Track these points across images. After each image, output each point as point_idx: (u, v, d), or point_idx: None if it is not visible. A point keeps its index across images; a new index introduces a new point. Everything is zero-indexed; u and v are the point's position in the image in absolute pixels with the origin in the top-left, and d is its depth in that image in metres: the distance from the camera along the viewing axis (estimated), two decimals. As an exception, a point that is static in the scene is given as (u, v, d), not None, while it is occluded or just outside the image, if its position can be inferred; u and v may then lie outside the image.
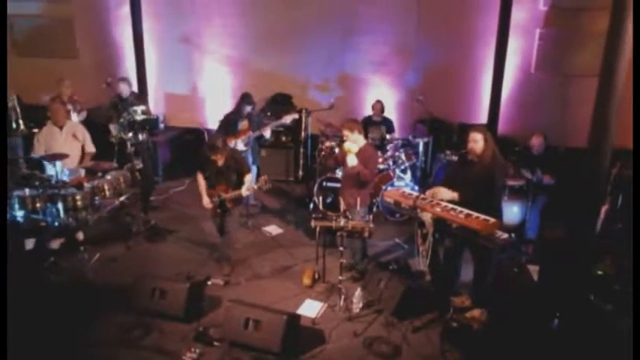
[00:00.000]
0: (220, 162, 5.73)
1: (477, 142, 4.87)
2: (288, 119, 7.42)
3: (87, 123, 7.38)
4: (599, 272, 4.83)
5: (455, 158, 6.34)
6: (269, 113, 8.50)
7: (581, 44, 7.69)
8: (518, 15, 7.88)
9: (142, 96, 8.49)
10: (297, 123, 8.10)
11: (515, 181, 6.44)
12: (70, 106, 7.38)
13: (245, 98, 7.21)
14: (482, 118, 8.34)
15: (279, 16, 8.66)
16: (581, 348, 4.33)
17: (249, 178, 5.89)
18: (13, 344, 4.48)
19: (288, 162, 8.77)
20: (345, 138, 5.60)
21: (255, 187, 5.80)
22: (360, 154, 5.49)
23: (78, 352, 4.54)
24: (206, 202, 5.77)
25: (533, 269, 5.61)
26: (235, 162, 5.87)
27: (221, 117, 7.44)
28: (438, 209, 4.76)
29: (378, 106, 8.00)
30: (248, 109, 7.19)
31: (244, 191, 5.72)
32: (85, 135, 6.69)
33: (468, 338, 4.70)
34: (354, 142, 5.53)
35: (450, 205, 4.78)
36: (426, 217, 4.82)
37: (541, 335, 4.60)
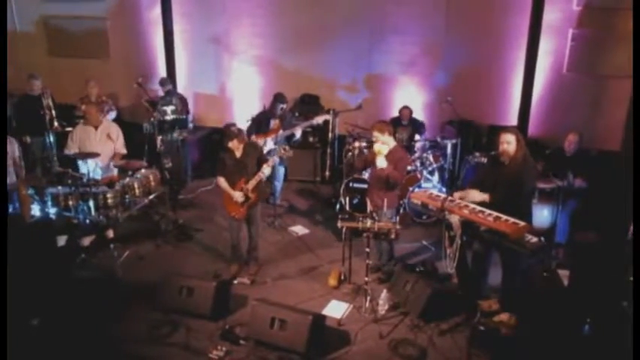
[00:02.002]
0: (238, 153, 5.65)
1: (510, 143, 4.81)
2: (319, 120, 7.47)
3: (118, 122, 7.50)
4: (632, 278, 4.71)
5: (484, 160, 6.26)
6: (297, 113, 8.53)
7: (615, 45, 7.52)
8: (550, 15, 7.74)
9: (174, 93, 8.56)
10: (324, 123, 8.12)
11: (545, 184, 6.33)
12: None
13: (278, 97, 7.33)
14: (513, 119, 8.22)
15: (308, 16, 8.68)
16: (611, 355, 4.23)
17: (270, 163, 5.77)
18: (44, 339, 4.60)
19: (315, 162, 8.77)
20: (374, 139, 5.55)
21: (277, 158, 5.74)
22: (390, 155, 5.45)
23: (106, 348, 4.61)
24: (237, 195, 5.61)
25: (564, 274, 5.50)
26: (254, 149, 5.82)
27: (249, 117, 7.53)
28: (466, 211, 4.70)
29: (406, 112, 7.96)
30: (281, 108, 7.28)
31: (265, 168, 5.58)
32: (118, 135, 6.75)
33: (495, 343, 4.64)
34: (384, 144, 5.49)
35: (479, 208, 4.72)
36: (454, 219, 4.76)
37: (571, 341, 4.51)
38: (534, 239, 4.47)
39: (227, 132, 5.68)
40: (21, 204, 5.84)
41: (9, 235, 4.40)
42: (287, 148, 5.75)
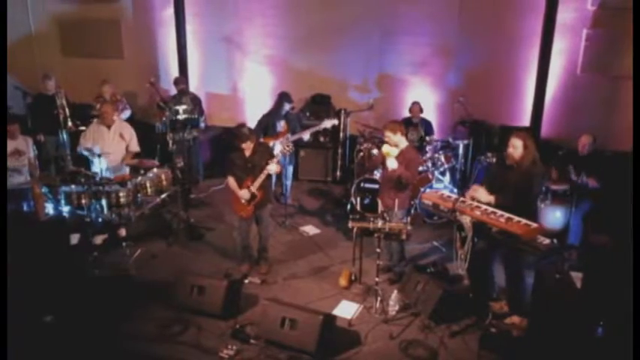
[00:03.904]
0: (248, 152, 5.65)
1: (517, 148, 4.76)
2: (327, 124, 7.30)
3: (131, 122, 7.55)
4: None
5: (495, 160, 6.22)
6: (308, 113, 8.52)
7: (630, 45, 7.43)
8: (564, 15, 7.67)
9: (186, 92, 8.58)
10: (332, 126, 8.07)
11: (558, 186, 6.28)
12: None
13: (284, 97, 7.20)
14: (525, 120, 8.16)
15: (319, 16, 8.67)
16: (625, 358, 4.18)
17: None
18: (56, 336, 4.64)
19: (326, 162, 8.76)
20: (386, 139, 5.52)
21: (278, 152, 5.74)
22: (401, 156, 5.42)
23: (118, 346, 4.64)
24: (243, 193, 5.62)
25: (576, 276, 5.45)
26: (265, 149, 5.86)
27: (260, 117, 7.47)
28: (477, 212, 4.68)
29: (416, 108, 7.89)
30: (287, 107, 7.18)
31: (270, 165, 5.57)
32: (131, 135, 6.76)
33: (506, 345, 4.61)
34: (396, 144, 5.46)
35: (490, 209, 4.69)
36: (466, 220, 4.74)
37: (584, 344, 4.47)
38: (546, 241, 4.45)
39: (239, 134, 5.65)
40: (35, 202, 5.90)
41: (23, 232, 4.45)
42: (290, 144, 5.76)
